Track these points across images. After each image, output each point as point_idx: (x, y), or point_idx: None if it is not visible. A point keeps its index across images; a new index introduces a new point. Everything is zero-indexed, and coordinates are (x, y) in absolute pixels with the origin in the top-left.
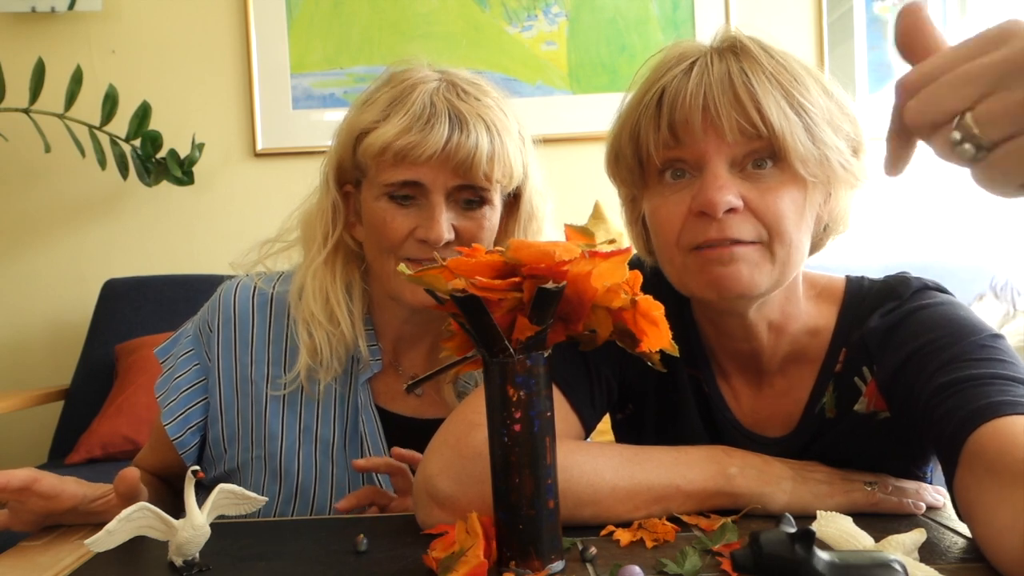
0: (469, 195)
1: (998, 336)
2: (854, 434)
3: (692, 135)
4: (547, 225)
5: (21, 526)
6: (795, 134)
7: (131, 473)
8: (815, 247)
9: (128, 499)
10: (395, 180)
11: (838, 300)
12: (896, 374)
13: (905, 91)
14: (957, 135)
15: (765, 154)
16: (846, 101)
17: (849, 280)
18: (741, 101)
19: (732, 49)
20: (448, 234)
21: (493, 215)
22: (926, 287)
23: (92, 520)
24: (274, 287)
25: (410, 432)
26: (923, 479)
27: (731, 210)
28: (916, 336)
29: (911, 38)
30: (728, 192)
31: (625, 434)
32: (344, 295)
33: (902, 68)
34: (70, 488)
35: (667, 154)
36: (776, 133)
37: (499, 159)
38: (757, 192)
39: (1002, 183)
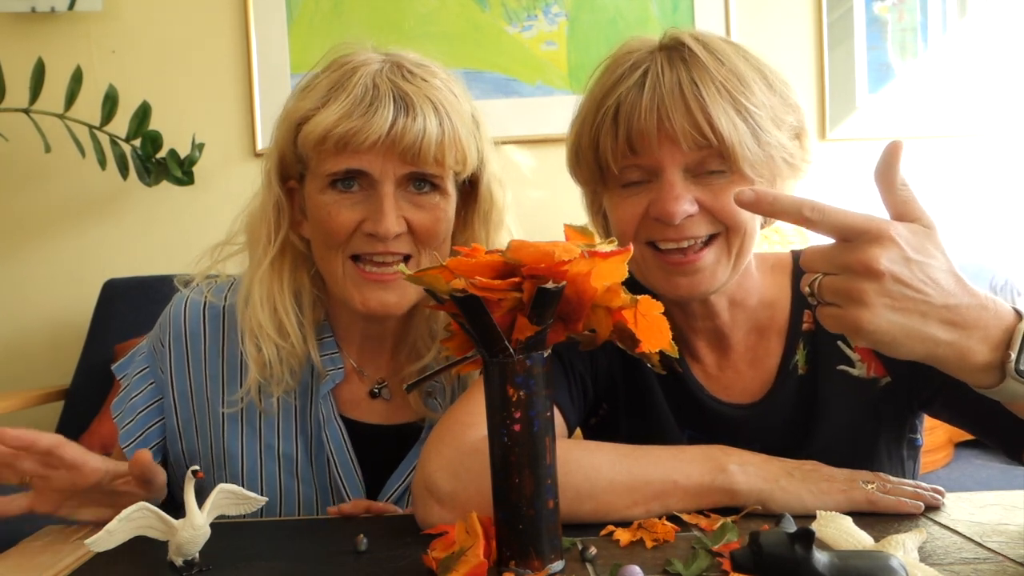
0: (419, 181)
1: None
2: (850, 399)
3: (648, 146)
4: (508, 215)
5: (44, 507)
6: (743, 142)
7: (144, 455)
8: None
9: (142, 480)
10: (338, 169)
11: (788, 270)
12: None
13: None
14: (808, 289)
15: (716, 160)
16: (788, 90)
17: (794, 252)
18: (692, 113)
19: (680, 54)
20: (398, 227)
21: (448, 205)
22: None
23: (114, 502)
24: (225, 298)
25: (377, 440)
26: (916, 447)
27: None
28: None
29: (885, 173)
30: (683, 201)
31: (600, 438)
32: (293, 304)
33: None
34: (93, 462)
35: (624, 163)
36: (726, 143)
37: (450, 143)
38: (711, 194)
39: (832, 328)
